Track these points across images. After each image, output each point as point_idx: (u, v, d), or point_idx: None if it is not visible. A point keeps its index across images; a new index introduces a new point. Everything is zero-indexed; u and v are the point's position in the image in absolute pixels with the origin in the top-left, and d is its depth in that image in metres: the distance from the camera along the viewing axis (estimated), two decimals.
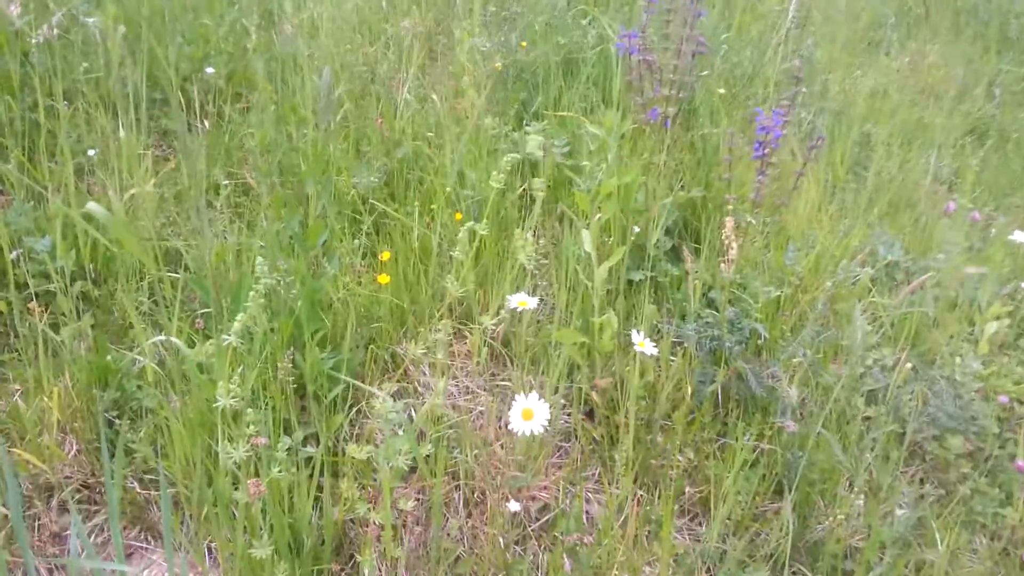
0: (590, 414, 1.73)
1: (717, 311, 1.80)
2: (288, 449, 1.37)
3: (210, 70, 2.12)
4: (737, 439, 1.69)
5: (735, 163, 1.90)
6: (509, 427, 1.16)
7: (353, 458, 1.33)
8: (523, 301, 1.39)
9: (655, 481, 1.65)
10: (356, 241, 1.80)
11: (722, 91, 2.24)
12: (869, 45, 4.07)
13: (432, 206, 1.75)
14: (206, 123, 2.02)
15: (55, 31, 1.93)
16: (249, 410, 0.93)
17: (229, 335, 0.89)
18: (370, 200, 1.87)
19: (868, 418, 1.75)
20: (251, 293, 0.88)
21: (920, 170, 2.82)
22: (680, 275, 1.92)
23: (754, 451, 1.69)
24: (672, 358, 1.77)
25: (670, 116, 1.70)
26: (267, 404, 1.36)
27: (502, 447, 1.58)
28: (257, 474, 1.14)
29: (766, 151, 1.56)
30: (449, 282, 1.16)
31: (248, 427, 0.93)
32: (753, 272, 1.99)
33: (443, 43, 2.56)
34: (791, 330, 1.90)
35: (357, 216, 1.87)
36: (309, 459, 1.44)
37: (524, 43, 2.27)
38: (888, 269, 2.26)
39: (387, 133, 1.95)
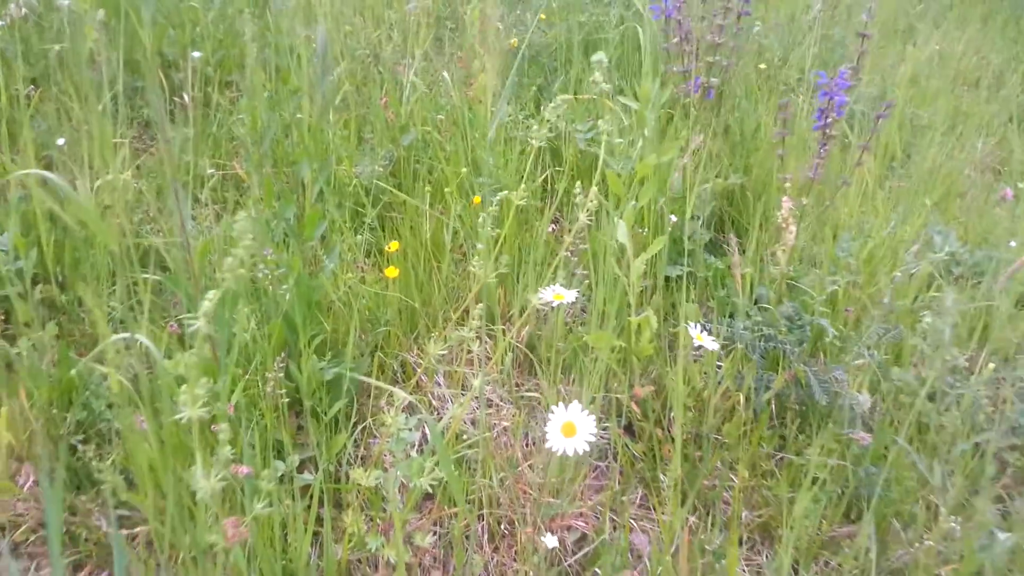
0: (628, 428, 1.52)
1: (765, 308, 1.59)
2: (281, 477, 1.16)
3: (196, 54, 1.92)
4: (798, 453, 1.48)
5: (781, 143, 1.69)
6: (548, 446, 0.95)
7: (359, 485, 1.12)
8: (559, 294, 1.18)
9: (706, 505, 1.44)
10: (359, 237, 1.59)
11: (763, 66, 2.03)
12: (895, 33, 3.87)
13: (446, 190, 1.55)
14: (190, 112, 1.82)
15: (23, 10, 1.74)
16: (224, 425, 0.72)
17: (198, 319, 0.68)
18: (374, 190, 1.67)
19: (942, 427, 1.53)
20: (227, 260, 0.67)
21: (965, 157, 2.61)
22: (723, 269, 1.71)
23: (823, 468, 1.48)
24: (719, 364, 1.56)
25: (713, 87, 1.49)
26: (255, 423, 1.15)
27: (531, 468, 1.37)
28: (243, 509, 0.93)
29: (828, 120, 1.35)
30: (475, 264, 0.95)
31: (225, 448, 0.72)
32: (801, 266, 1.78)
33: (451, 27, 2.36)
34: (850, 328, 1.69)
35: (360, 209, 1.67)
36: (308, 487, 1.23)
37: (543, 15, 2.07)
38: (947, 261, 2.05)
39: (392, 117, 1.75)
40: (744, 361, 1.58)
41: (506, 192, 0.97)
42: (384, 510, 1.20)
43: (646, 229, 1.68)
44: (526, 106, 2.07)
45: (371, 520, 1.19)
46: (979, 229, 2.24)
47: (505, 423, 1.42)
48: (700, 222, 1.84)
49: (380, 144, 1.75)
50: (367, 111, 1.83)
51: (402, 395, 1.05)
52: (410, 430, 1.12)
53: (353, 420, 1.29)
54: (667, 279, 1.76)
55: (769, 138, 2.08)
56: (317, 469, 1.26)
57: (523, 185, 0.97)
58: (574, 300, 1.19)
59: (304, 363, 1.24)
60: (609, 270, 1.46)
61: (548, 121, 2.00)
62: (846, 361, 1.54)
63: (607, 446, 1.48)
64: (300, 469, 1.23)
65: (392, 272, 1.36)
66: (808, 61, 2.59)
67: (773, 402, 1.55)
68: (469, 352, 1.48)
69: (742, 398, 1.54)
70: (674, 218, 1.67)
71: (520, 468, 1.37)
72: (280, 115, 1.55)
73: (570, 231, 1.15)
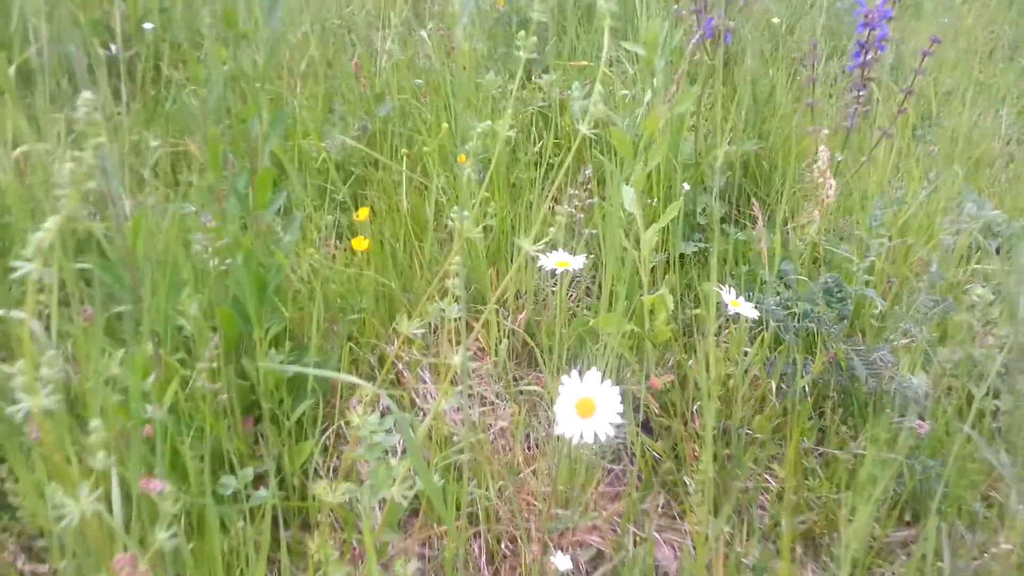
0: (645, 425, 1.32)
1: (797, 281, 1.39)
2: (234, 494, 0.96)
3: (148, 25, 1.72)
4: (841, 447, 1.28)
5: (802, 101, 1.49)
6: (557, 432, 0.74)
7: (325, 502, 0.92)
8: (563, 261, 0.98)
9: (739, 511, 1.23)
10: (329, 217, 1.39)
11: (775, 19, 1.84)
12: (903, 8, 3.70)
13: (425, 148, 1.34)
14: (132, 90, 1.62)
15: None
16: (96, 423, 0.51)
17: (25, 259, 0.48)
18: (346, 165, 1.47)
19: (1007, 413, 1.33)
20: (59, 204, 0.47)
21: (987, 127, 2.43)
22: (744, 243, 1.51)
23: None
24: (745, 350, 1.36)
25: (730, 30, 1.30)
26: (197, 430, 0.95)
27: (535, 475, 1.17)
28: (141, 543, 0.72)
29: (868, 58, 1.15)
30: (455, 217, 0.75)
31: (100, 454, 0.52)
32: (830, 236, 1.58)
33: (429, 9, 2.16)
34: (889, 304, 1.49)
35: (329, 187, 1.47)
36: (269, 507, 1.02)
37: None
38: (984, 232, 1.86)
39: (366, 85, 1.56)
40: (773, 344, 1.38)
41: (488, 123, 0.77)
42: (359, 531, 0.99)
43: (655, 200, 1.48)
44: (514, 76, 1.88)
45: (344, 544, 0.99)
46: (1012, 200, 2.06)
47: (503, 423, 1.21)
48: (714, 194, 1.65)
49: (352, 115, 1.55)
50: (338, 83, 1.63)
51: (370, 388, 0.84)
52: (388, 432, 0.92)
53: (321, 425, 1.09)
54: (680, 257, 1.56)
55: (785, 104, 1.89)
56: (282, 484, 1.05)
57: (508, 116, 0.77)
58: (581, 267, 0.99)
59: (259, 357, 1.03)
60: (617, 243, 1.26)
61: (542, 90, 1.80)
62: (891, 340, 1.34)
63: (621, 445, 1.28)
64: (257, 484, 1.03)
65: (361, 243, 1.16)
66: (818, 31, 2.40)
67: (809, 389, 1.35)
68: (456, 338, 1.27)
69: (773, 385, 1.34)
70: (687, 187, 1.47)
71: (522, 475, 1.17)
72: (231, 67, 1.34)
73: (578, 182, 0.96)
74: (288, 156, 1.39)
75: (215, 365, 0.92)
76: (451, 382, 0.99)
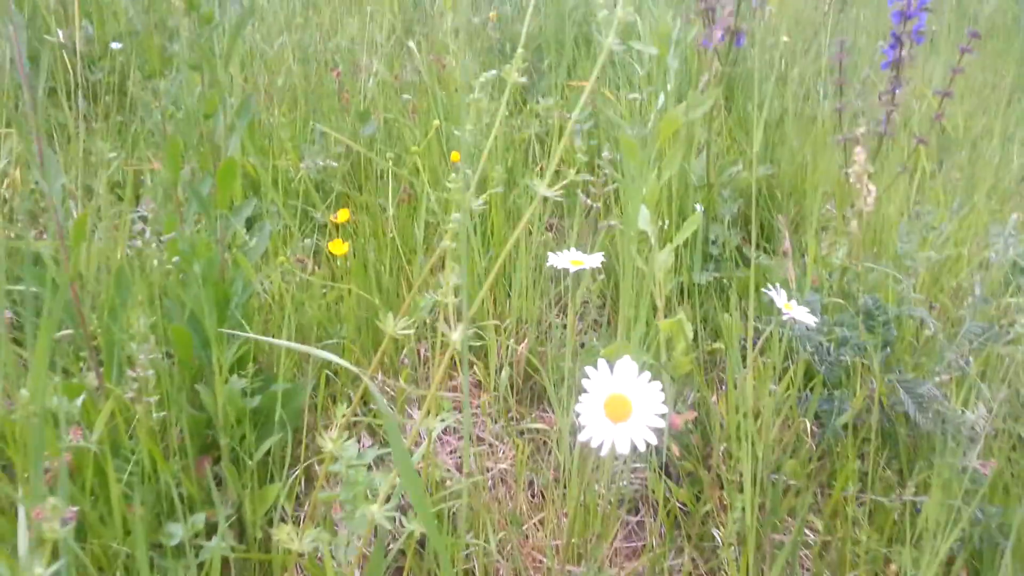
0: (665, 470, 1.16)
1: (829, 307, 1.25)
2: (178, 546, 0.79)
3: (117, 45, 1.61)
4: (887, 492, 1.12)
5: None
6: (582, 439, 0.59)
7: (289, 552, 0.75)
8: (577, 259, 0.84)
9: (771, 563, 1.06)
10: (307, 241, 1.25)
11: (786, 39, 1.75)
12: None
13: (413, 150, 1.20)
14: (95, 111, 1.49)
15: None
16: None
17: None
18: (327, 188, 1.33)
19: None
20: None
21: (1003, 163, 2.35)
22: (768, 268, 1.38)
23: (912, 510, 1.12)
24: (773, 387, 1.21)
25: (744, 32, 1.19)
26: (138, 468, 0.79)
27: (541, 526, 1.00)
28: None
29: (903, 53, 1.04)
30: (451, 181, 0.61)
31: None
32: (856, 261, 1.45)
33: (420, 31, 2.06)
34: (919, 334, 1.35)
35: (308, 208, 1.33)
36: (223, 561, 0.85)
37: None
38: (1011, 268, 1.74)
39: (348, 99, 1.43)
40: (803, 378, 1.23)
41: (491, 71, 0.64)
42: None
43: (667, 221, 1.35)
44: (509, 103, 1.76)
45: None
46: None
47: (503, 466, 1.05)
48: (727, 222, 1.52)
49: (330, 126, 1.42)
50: (319, 100, 1.51)
51: (343, 413, 0.69)
52: (369, 468, 0.76)
53: (290, 467, 0.92)
54: (694, 289, 1.43)
55: (795, 130, 1.78)
56: (243, 535, 0.88)
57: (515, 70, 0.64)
58: (599, 267, 0.85)
59: (218, 385, 0.88)
60: (631, 264, 1.12)
61: (538, 116, 1.69)
62: (935, 371, 1.20)
63: (639, 493, 1.11)
64: (213, 535, 0.86)
65: (339, 248, 1.01)
66: (823, 58, 2.32)
67: (847, 430, 1.20)
68: (452, 377, 1.12)
69: (808, 425, 1.18)
70: (700, 207, 1.34)
71: (526, 526, 1.00)
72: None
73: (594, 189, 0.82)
74: (263, 176, 1.26)
75: (162, 393, 0.76)
76: (441, 418, 0.84)
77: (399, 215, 1.28)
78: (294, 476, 0.89)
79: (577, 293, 1.01)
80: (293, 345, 0.55)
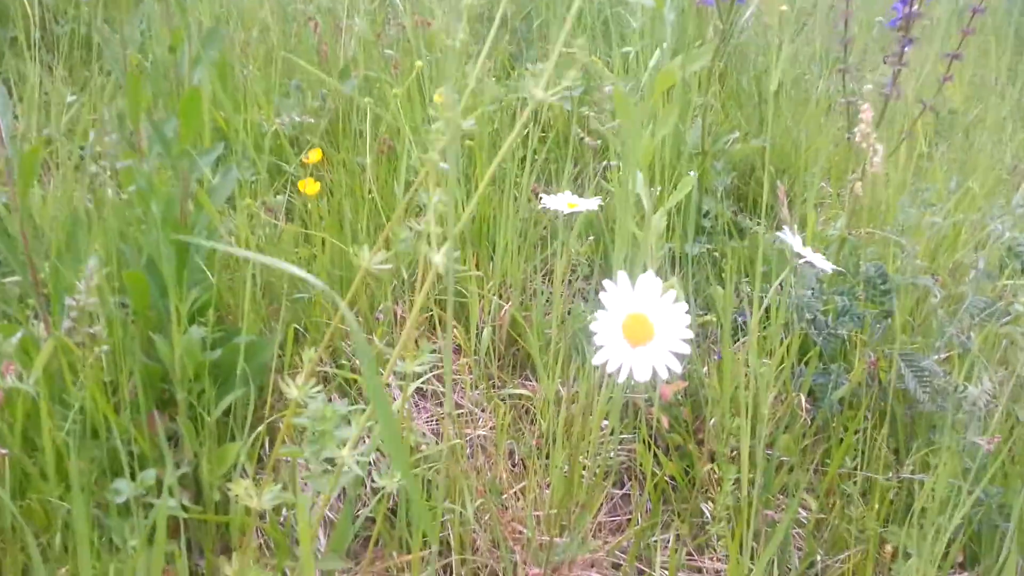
0: (654, 441, 1.10)
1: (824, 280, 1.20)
2: (126, 504, 0.72)
3: None
4: (885, 471, 1.07)
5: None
6: (596, 361, 0.52)
7: (249, 513, 0.69)
8: (572, 202, 0.79)
9: (764, 542, 1.01)
10: (279, 197, 1.18)
11: (784, 7, 1.69)
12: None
13: (396, 92, 1.14)
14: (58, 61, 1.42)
15: None
16: None
17: None
18: (306, 141, 1.27)
19: None
20: None
21: (992, 152, 2.31)
22: (758, 236, 1.32)
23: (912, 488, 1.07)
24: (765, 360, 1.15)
25: None
26: (83, 418, 0.72)
27: (522, 495, 0.94)
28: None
29: (914, 9, 0.99)
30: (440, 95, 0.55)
31: None
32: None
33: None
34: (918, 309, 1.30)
35: (282, 164, 1.26)
36: (174, 522, 0.79)
37: None
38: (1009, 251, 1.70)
39: (327, 51, 1.36)
40: (798, 350, 1.18)
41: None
42: (295, 557, 0.76)
43: (658, 188, 1.29)
44: (494, 70, 1.70)
45: (275, 571, 0.75)
46: None
47: (482, 432, 0.99)
48: (719, 194, 1.47)
49: (311, 88, 1.35)
50: (297, 52, 1.44)
51: (312, 358, 0.63)
52: (346, 419, 0.70)
53: (253, 426, 0.86)
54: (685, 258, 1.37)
55: (789, 108, 1.73)
56: (200, 491, 0.82)
57: None
58: (597, 209, 0.79)
59: (176, 335, 0.81)
60: (626, 227, 1.06)
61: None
62: (933, 346, 1.15)
63: (626, 466, 1.06)
64: (160, 490, 0.79)
65: (312, 188, 0.95)
66: (816, 43, 2.27)
67: (842, 404, 1.15)
68: (428, 334, 1.06)
69: (803, 399, 1.13)
70: (694, 174, 1.28)
71: (505, 496, 0.94)
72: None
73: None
74: (234, 126, 1.19)
75: (115, 343, 0.69)
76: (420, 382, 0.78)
77: (379, 173, 1.21)
78: (256, 435, 0.82)
79: (569, 240, 0.95)
80: (263, 258, 0.49)
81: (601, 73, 1.17)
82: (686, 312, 0.52)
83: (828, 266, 0.76)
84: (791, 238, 0.76)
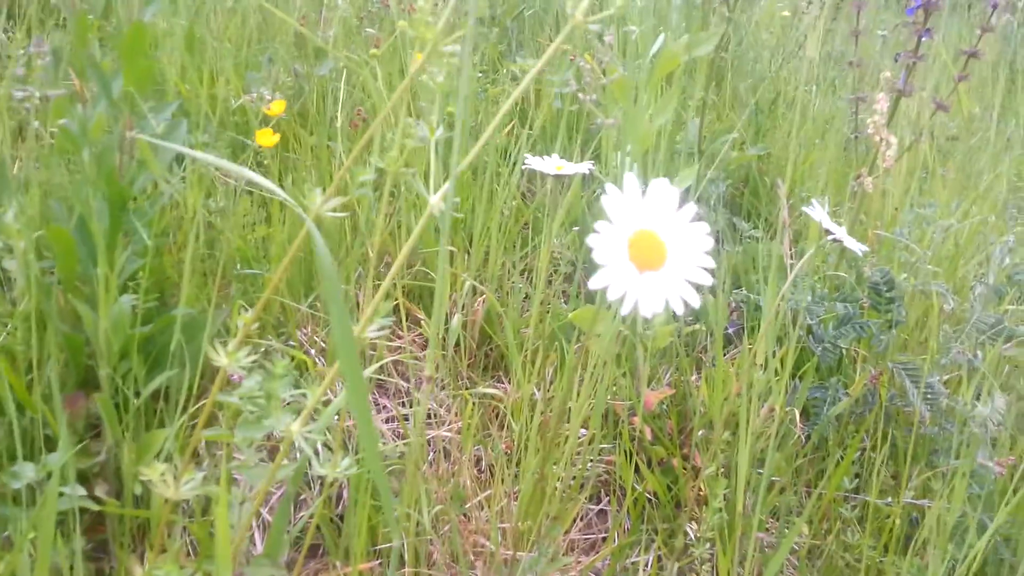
0: (635, 453, 1.01)
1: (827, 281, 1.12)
2: (24, 489, 0.62)
3: None
4: (881, 494, 0.98)
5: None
6: (593, 285, 0.43)
7: (173, 508, 0.59)
8: (560, 165, 0.70)
9: (758, 569, 0.92)
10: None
11: (786, 12, 1.63)
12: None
13: (374, 51, 1.05)
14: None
15: None
16: None
17: None
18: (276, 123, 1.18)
19: None
20: None
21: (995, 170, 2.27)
22: (756, 241, 1.24)
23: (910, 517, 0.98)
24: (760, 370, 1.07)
25: None
26: None
27: (487, 505, 0.84)
28: None
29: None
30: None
31: None
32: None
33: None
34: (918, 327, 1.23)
35: (247, 141, 1.17)
36: (86, 514, 0.69)
37: None
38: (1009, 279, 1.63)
39: (304, 24, 1.28)
40: (793, 362, 1.09)
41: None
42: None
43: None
44: (481, 66, 1.63)
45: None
46: None
47: (446, 433, 0.89)
48: (713, 201, 1.39)
49: (282, 63, 1.27)
50: (272, 31, 1.35)
51: (249, 319, 0.54)
52: (289, 398, 0.60)
53: (187, 410, 0.76)
54: None
55: (790, 116, 1.66)
56: (119, 481, 0.72)
57: None
58: (587, 173, 0.71)
59: (104, 304, 0.71)
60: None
61: (516, 78, 1.55)
62: (939, 363, 1.07)
63: (604, 478, 0.96)
64: (83, 482, 0.69)
65: (269, 140, 0.86)
66: (805, 73, 2.22)
67: (839, 422, 1.06)
68: (392, 330, 0.97)
69: (797, 415, 1.05)
70: (697, 156, 1.21)
71: (468, 505, 0.84)
72: None
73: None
74: (197, 104, 1.10)
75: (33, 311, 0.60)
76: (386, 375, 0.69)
77: (351, 152, 1.12)
78: (187, 421, 0.73)
79: (552, 227, 0.86)
80: (220, 162, 0.40)
81: (596, 68, 1.10)
82: (707, 233, 0.43)
83: (859, 247, 0.67)
84: (819, 213, 0.67)
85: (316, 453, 0.73)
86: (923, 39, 0.94)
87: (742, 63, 1.63)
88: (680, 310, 0.41)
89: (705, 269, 0.43)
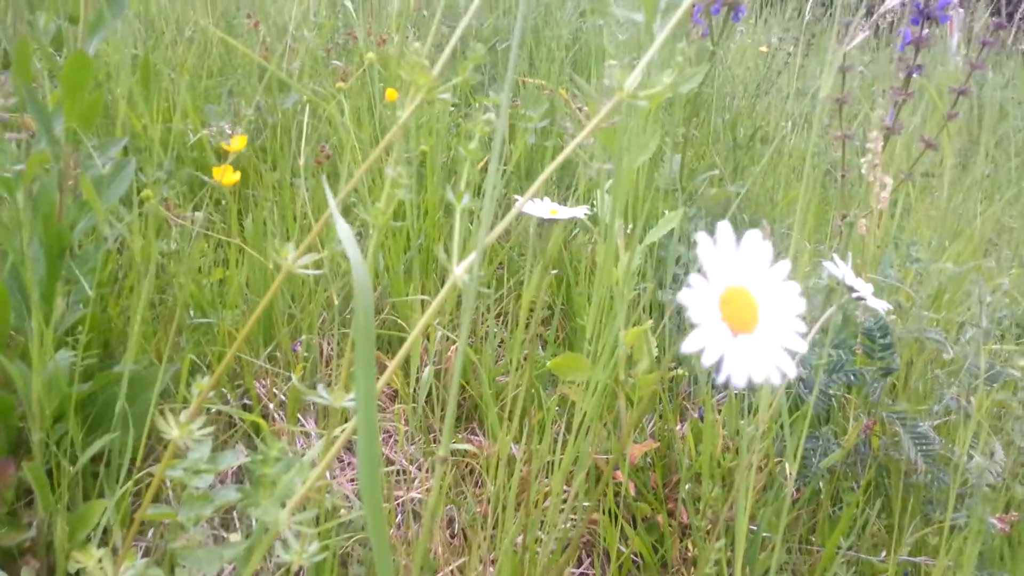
0: (619, 510, 0.95)
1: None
2: None
3: None
4: (874, 549, 0.94)
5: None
6: (687, 350, 0.35)
7: None
8: (554, 209, 0.65)
9: None
10: (197, 214, 1.03)
11: (763, 49, 1.61)
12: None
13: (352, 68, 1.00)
14: None
15: None
16: None
17: None
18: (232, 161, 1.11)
19: None
20: None
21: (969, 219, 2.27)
22: None
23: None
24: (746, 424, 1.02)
25: (743, 4, 1.03)
26: None
27: (459, 574, 0.78)
28: None
29: (925, 33, 0.89)
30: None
31: None
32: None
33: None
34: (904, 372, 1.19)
35: (204, 178, 1.11)
36: None
37: None
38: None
39: (266, 56, 1.22)
40: (781, 413, 1.05)
41: None
42: None
43: (630, 225, 1.17)
44: (457, 103, 1.58)
45: None
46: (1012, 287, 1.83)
47: (416, 495, 0.83)
48: (691, 241, 1.35)
49: (244, 95, 1.21)
50: (234, 64, 1.30)
51: (204, 385, 0.48)
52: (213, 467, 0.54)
53: (129, 479, 0.69)
54: (655, 305, 1.24)
55: (769, 153, 1.64)
56: (51, 558, 0.64)
57: None
58: (585, 216, 0.66)
59: (37, 362, 0.64)
60: (608, 263, 0.92)
61: (487, 110, 1.51)
62: (931, 411, 1.03)
63: (587, 537, 0.90)
64: (11, 560, 0.62)
65: (229, 178, 0.80)
66: (781, 109, 2.21)
67: (829, 474, 1.01)
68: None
69: (788, 468, 0.99)
70: (669, 213, 1.16)
71: (440, 574, 0.78)
72: None
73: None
74: (151, 139, 1.03)
75: None
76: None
77: (315, 193, 1.07)
78: (131, 487, 0.66)
79: (534, 269, 0.81)
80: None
81: (584, 89, 1.06)
82: (799, 294, 0.37)
83: (883, 305, 0.62)
84: (842, 269, 0.62)
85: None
86: (913, 75, 0.91)
87: (718, 98, 1.61)
88: (777, 381, 0.35)
89: (799, 334, 0.37)
